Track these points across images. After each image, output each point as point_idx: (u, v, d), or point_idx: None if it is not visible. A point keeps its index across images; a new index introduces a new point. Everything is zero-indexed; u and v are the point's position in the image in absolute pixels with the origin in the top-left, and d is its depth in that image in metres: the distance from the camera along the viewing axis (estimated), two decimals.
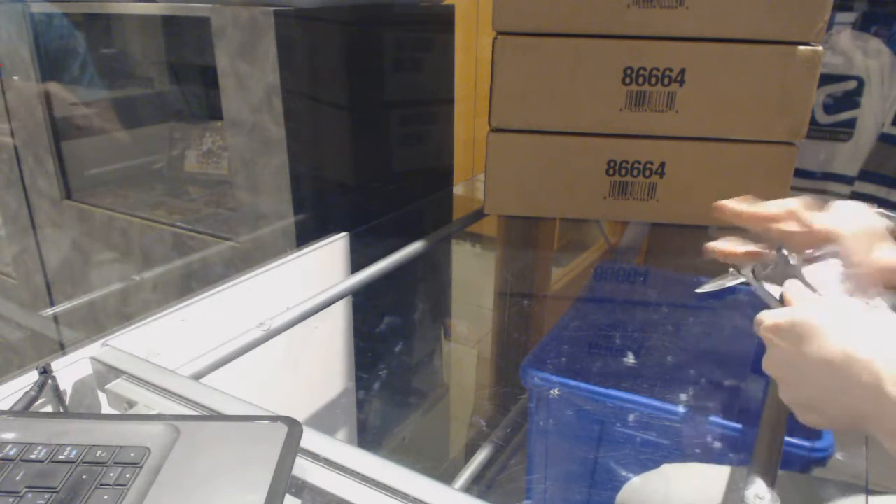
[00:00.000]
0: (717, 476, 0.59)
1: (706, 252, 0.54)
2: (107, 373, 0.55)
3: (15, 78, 1.30)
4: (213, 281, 0.76)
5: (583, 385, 0.73)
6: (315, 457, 0.43)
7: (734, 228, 0.54)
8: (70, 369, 0.55)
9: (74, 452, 0.38)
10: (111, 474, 0.36)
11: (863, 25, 1.13)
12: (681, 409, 0.69)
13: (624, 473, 0.73)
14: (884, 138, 1.13)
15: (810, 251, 0.48)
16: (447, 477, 0.97)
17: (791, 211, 0.50)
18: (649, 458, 0.71)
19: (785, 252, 0.49)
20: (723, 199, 0.56)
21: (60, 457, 0.37)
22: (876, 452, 0.57)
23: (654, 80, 0.81)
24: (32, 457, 0.37)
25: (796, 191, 0.75)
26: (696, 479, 0.61)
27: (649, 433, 0.71)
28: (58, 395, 0.54)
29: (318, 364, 0.97)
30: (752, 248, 0.53)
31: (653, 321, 0.93)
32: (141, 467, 0.37)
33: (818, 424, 0.44)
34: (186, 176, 1.44)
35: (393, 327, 1.16)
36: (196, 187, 1.41)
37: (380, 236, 1.03)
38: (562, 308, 0.98)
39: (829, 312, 0.42)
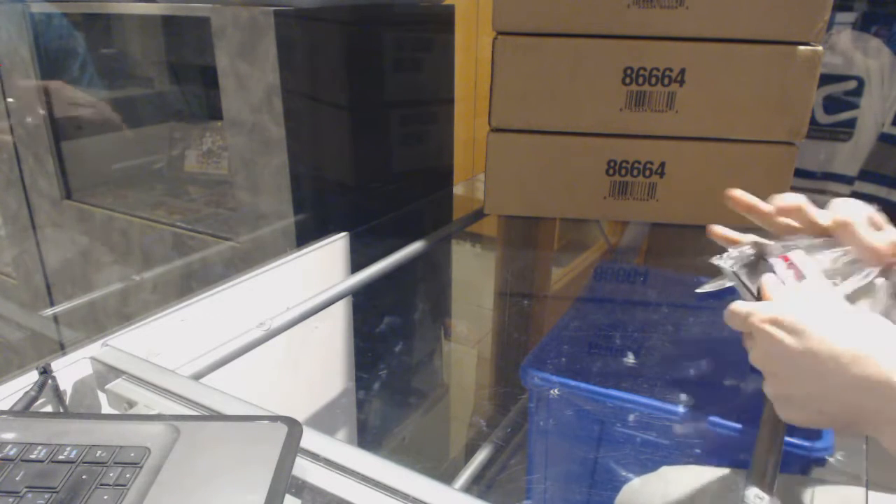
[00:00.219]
0: (716, 477, 0.59)
1: (709, 233, 0.55)
2: (107, 373, 0.55)
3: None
4: (213, 281, 0.76)
5: (583, 385, 0.73)
6: (315, 457, 0.43)
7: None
8: (70, 369, 0.55)
9: (74, 452, 0.38)
10: (111, 474, 0.36)
11: (863, 25, 1.13)
12: (681, 409, 0.69)
13: (624, 473, 0.73)
14: (884, 138, 1.13)
15: (787, 242, 0.49)
16: (447, 477, 0.97)
17: (799, 206, 0.51)
18: (649, 458, 0.71)
19: (761, 243, 0.50)
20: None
21: (60, 457, 0.37)
22: (876, 452, 0.57)
23: (654, 80, 0.81)
24: (32, 457, 0.37)
25: (796, 191, 0.75)
26: (696, 481, 0.61)
27: (649, 433, 0.71)
28: (58, 395, 0.54)
29: (318, 364, 0.97)
30: (752, 238, 0.53)
31: (653, 321, 0.93)
32: (141, 467, 0.37)
33: (805, 422, 0.44)
34: (186, 176, 1.44)
35: (393, 327, 1.16)
36: (196, 187, 1.41)
37: (380, 236, 1.03)
38: (562, 308, 0.98)
39: (827, 308, 0.43)
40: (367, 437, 1.11)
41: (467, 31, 1.50)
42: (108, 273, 1.34)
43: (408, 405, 1.27)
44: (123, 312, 1.29)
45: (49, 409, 0.54)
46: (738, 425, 0.66)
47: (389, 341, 1.16)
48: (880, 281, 0.46)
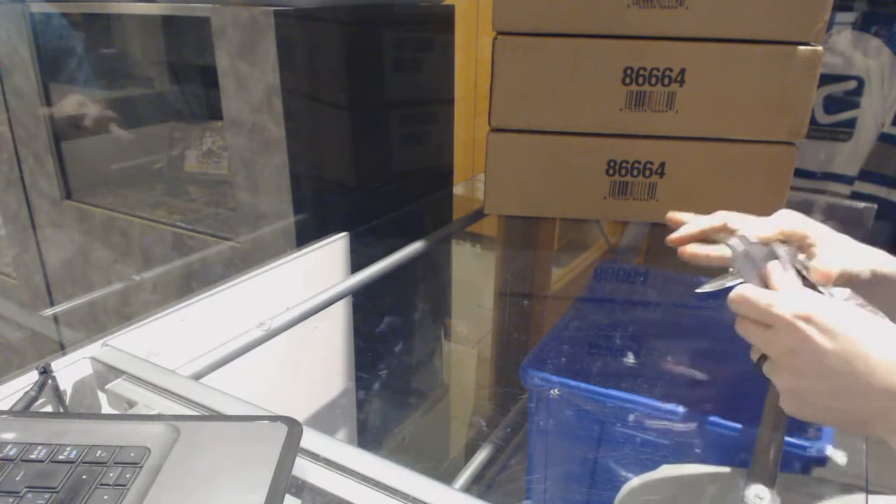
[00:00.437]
0: (716, 477, 0.59)
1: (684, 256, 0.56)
2: (107, 373, 0.55)
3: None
4: (213, 281, 0.76)
5: (583, 385, 0.73)
6: (315, 457, 0.43)
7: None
8: (70, 369, 0.55)
9: (74, 452, 0.38)
10: (111, 474, 0.36)
11: (863, 25, 1.13)
12: (681, 409, 0.69)
13: (624, 473, 0.73)
14: (884, 138, 1.13)
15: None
16: (447, 477, 0.97)
17: (723, 224, 0.54)
18: (649, 458, 0.71)
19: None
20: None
21: (60, 457, 0.37)
22: (876, 452, 0.57)
23: (654, 80, 0.81)
24: (32, 457, 0.37)
25: (796, 191, 0.75)
26: (696, 480, 0.61)
27: (649, 433, 0.71)
28: (58, 395, 0.54)
29: (318, 364, 0.97)
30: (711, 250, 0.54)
31: (653, 321, 0.93)
32: (141, 467, 0.37)
33: (810, 417, 0.45)
34: (186, 176, 1.44)
35: (393, 327, 1.16)
36: (196, 187, 1.41)
37: (380, 236, 1.03)
38: (562, 308, 0.98)
39: (853, 309, 0.43)
40: (367, 437, 1.11)
41: (467, 31, 1.50)
42: (108, 273, 1.34)
43: (408, 405, 1.27)
44: (123, 312, 1.29)
45: (49, 409, 0.54)
46: (738, 425, 0.66)
47: (389, 341, 1.16)
48: (782, 249, 0.48)
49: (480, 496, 0.39)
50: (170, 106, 1.50)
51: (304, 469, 0.42)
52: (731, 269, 0.51)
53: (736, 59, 0.79)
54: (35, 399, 0.51)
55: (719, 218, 0.54)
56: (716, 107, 0.81)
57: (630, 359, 0.84)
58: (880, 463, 0.56)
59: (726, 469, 0.60)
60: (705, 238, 0.55)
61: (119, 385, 0.53)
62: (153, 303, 1.24)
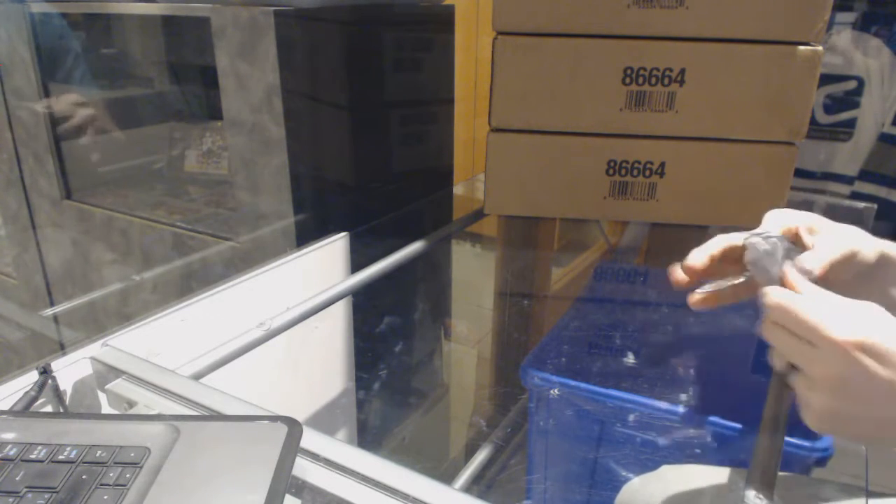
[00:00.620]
0: (716, 477, 0.59)
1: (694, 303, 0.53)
2: (107, 373, 0.55)
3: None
4: (213, 281, 0.76)
5: (583, 385, 0.73)
6: (315, 457, 0.43)
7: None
8: (70, 369, 0.55)
9: (74, 452, 0.38)
10: (111, 474, 0.36)
11: (863, 25, 1.14)
12: (681, 409, 0.69)
13: (624, 473, 0.73)
14: (884, 138, 1.13)
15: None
16: (447, 477, 0.97)
17: (722, 251, 0.51)
18: (649, 458, 0.71)
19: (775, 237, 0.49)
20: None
21: (60, 457, 0.37)
22: (876, 452, 0.57)
23: (654, 80, 0.81)
24: (32, 457, 0.37)
25: (796, 191, 0.75)
26: (696, 481, 0.61)
27: (649, 433, 0.71)
28: (58, 395, 0.54)
29: (318, 364, 0.97)
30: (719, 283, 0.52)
31: (653, 321, 0.93)
32: (141, 467, 0.37)
33: (839, 433, 0.43)
34: (186, 176, 1.44)
35: (393, 327, 1.16)
36: (196, 187, 1.41)
37: (380, 236, 1.03)
38: (562, 308, 0.98)
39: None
40: (367, 437, 1.11)
41: (467, 31, 1.50)
42: (108, 273, 1.35)
43: (408, 405, 1.27)
44: (123, 312, 1.29)
45: (49, 409, 0.54)
46: (738, 425, 0.66)
47: (389, 341, 1.16)
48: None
49: (480, 496, 0.39)
50: (170, 106, 1.49)
51: (304, 469, 0.42)
52: (747, 272, 0.49)
53: (736, 59, 0.79)
54: (35, 399, 0.51)
55: (719, 241, 0.51)
56: (716, 107, 0.81)
57: (630, 359, 0.84)
58: (880, 463, 0.56)
59: (726, 469, 0.59)
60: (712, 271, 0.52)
61: (119, 385, 0.53)
62: (153, 303, 1.24)
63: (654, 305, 0.97)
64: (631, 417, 0.71)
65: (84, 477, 0.36)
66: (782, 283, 0.46)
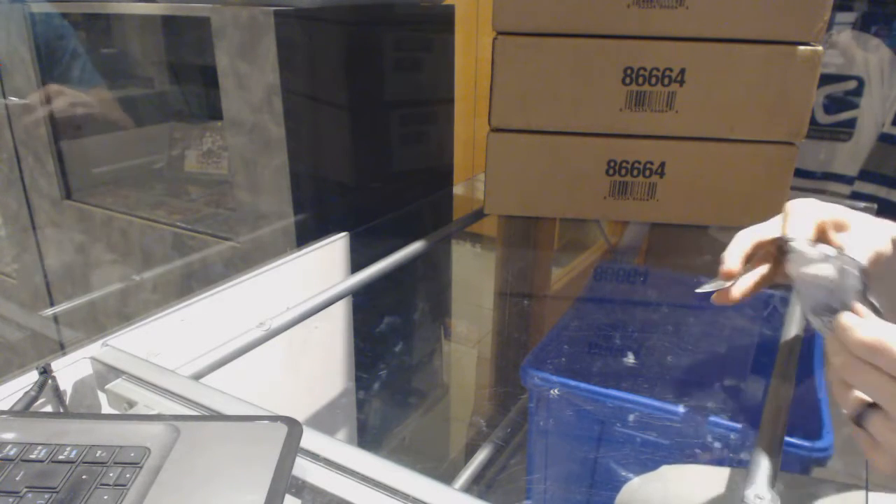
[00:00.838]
0: (716, 477, 0.59)
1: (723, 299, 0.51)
2: (107, 373, 0.55)
3: (13, 99, 1.30)
4: (213, 281, 0.76)
5: (583, 385, 0.73)
6: (315, 457, 0.43)
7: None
8: (70, 369, 0.55)
9: (74, 452, 0.38)
10: (111, 474, 0.36)
11: (863, 25, 1.14)
12: (681, 409, 0.69)
13: (624, 473, 0.73)
14: (884, 138, 1.13)
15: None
16: (447, 477, 0.97)
17: (754, 244, 0.50)
18: (649, 458, 0.71)
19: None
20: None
21: (60, 457, 0.37)
22: None
23: (654, 80, 0.81)
24: (32, 457, 0.37)
25: (796, 191, 0.75)
26: (696, 481, 0.61)
27: (649, 433, 0.71)
28: (58, 395, 0.54)
29: (318, 364, 0.97)
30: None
31: (653, 321, 0.93)
32: (141, 467, 0.37)
33: None
34: (186, 176, 1.44)
35: (393, 327, 1.16)
36: (196, 187, 1.41)
37: (380, 236, 1.03)
38: (562, 308, 0.98)
39: None
40: (367, 437, 1.11)
41: (467, 31, 1.50)
42: (108, 273, 1.35)
43: (408, 405, 1.27)
44: (123, 313, 1.29)
45: (49, 409, 0.54)
46: (738, 425, 0.66)
47: (389, 341, 1.16)
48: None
49: (480, 496, 0.39)
50: (170, 106, 1.50)
51: (304, 469, 0.42)
52: (797, 288, 0.47)
53: (736, 59, 0.79)
54: (35, 399, 0.51)
55: (748, 240, 0.50)
56: (716, 107, 0.81)
57: (630, 359, 0.84)
58: None
59: (726, 469, 0.59)
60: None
61: (119, 385, 0.53)
62: (153, 303, 1.24)
63: (654, 305, 0.97)
64: (631, 417, 0.71)
65: (84, 477, 0.36)
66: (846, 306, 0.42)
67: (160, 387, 0.52)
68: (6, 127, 1.36)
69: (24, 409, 0.50)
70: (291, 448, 0.39)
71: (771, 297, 0.86)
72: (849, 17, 1.14)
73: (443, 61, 1.24)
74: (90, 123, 1.40)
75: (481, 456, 0.95)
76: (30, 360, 0.55)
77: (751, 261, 0.52)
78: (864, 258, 0.44)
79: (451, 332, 1.39)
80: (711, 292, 0.52)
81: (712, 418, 0.67)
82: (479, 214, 0.98)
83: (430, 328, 1.33)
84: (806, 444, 0.63)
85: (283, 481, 0.36)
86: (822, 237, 0.48)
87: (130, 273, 1.28)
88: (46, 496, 0.35)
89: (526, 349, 1.08)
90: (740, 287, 0.50)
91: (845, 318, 0.40)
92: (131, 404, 0.51)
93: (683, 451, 0.69)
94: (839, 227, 0.48)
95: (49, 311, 1.37)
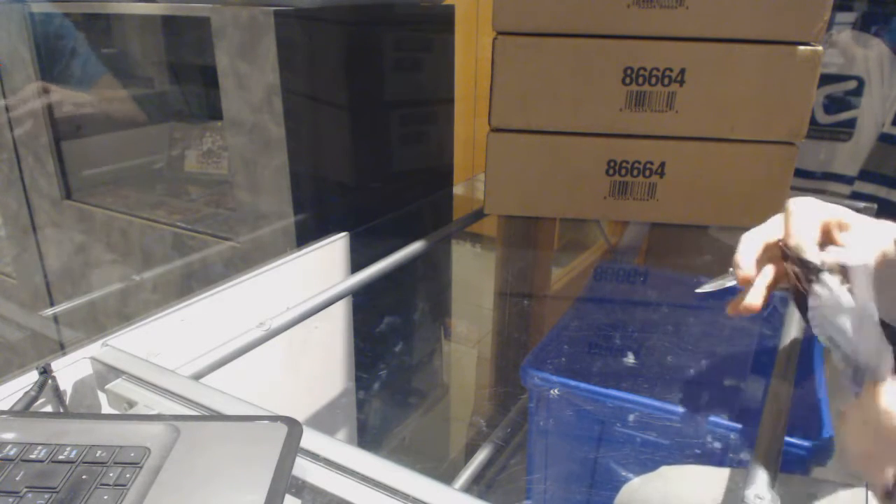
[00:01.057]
0: (716, 477, 0.59)
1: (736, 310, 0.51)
2: (107, 373, 0.55)
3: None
4: (213, 281, 0.76)
5: (583, 385, 0.73)
6: (315, 457, 0.43)
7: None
8: (70, 369, 0.55)
9: (74, 452, 0.38)
10: (111, 474, 0.36)
11: (863, 25, 1.13)
12: (681, 409, 0.69)
13: (624, 473, 0.73)
14: (884, 138, 1.13)
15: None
16: (447, 477, 0.97)
17: (763, 247, 0.49)
18: (649, 458, 0.71)
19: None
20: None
21: (60, 457, 0.37)
22: None
23: (654, 80, 0.81)
24: (32, 457, 0.37)
25: (796, 191, 0.75)
26: (696, 481, 0.61)
27: (649, 433, 0.71)
28: (58, 395, 0.54)
29: (318, 364, 0.97)
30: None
31: (653, 321, 0.93)
32: (141, 467, 0.37)
33: None
34: (186, 176, 1.44)
35: (393, 327, 1.16)
36: (196, 187, 1.41)
37: (380, 236, 1.03)
38: (562, 308, 0.98)
39: None
40: (367, 437, 1.11)
41: (467, 31, 1.50)
42: (108, 273, 1.35)
43: (408, 405, 1.27)
44: (123, 313, 1.29)
45: (49, 409, 0.54)
46: (738, 425, 0.66)
47: (389, 341, 1.16)
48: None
49: (480, 496, 0.39)
50: (170, 106, 1.50)
51: (304, 469, 0.42)
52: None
53: (736, 59, 0.79)
54: (35, 399, 0.51)
55: (758, 242, 0.50)
56: (716, 107, 0.81)
57: (630, 359, 0.84)
58: None
59: (726, 469, 0.59)
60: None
61: (119, 385, 0.53)
62: (153, 303, 1.24)
63: (654, 305, 0.97)
64: (631, 417, 0.71)
65: (84, 477, 0.36)
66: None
67: (160, 387, 0.52)
68: (6, 127, 1.36)
69: (24, 409, 0.50)
70: (291, 448, 0.39)
71: (771, 297, 0.85)
72: (849, 17, 1.14)
73: (443, 61, 1.24)
74: (90, 123, 1.40)
75: (481, 456, 0.95)
76: (30, 360, 0.55)
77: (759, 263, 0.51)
78: (870, 258, 0.42)
79: (451, 332, 1.39)
80: (711, 292, 0.52)
81: (712, 418, 0.67)
82: (479, 214, 0.98)
83: (430, 328, 1.33)
84: (806, 444, 0.63)
85: (283, 481, 0.36)
86: (826, 238, 0.48)
87: (130, 273, 1.28)
88: (46, 496, 0.35)
89: (526, 349, 1.08)
90: (758, 294, 0.50)
91: (887, 399, 0.37)
92: (131, 404, 0.51)
93: (683, 451, 0.69)
94: (842, 228, 0.48)
95: (49, 311, 1.37)
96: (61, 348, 0.57)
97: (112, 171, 1.48)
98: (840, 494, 0.55)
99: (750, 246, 0.50)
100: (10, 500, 0.35)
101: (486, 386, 1.25)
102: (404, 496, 0.40)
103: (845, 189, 1.18)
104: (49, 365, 0.54)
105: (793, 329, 0.66)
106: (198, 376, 0.59)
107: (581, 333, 0.89)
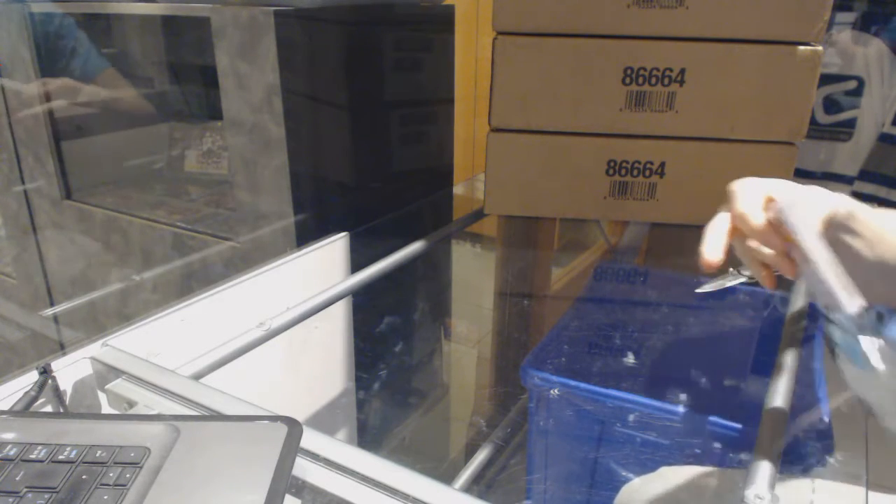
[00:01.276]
0: (716, 477, 0.59)
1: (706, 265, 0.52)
2: (107, 373, 0.55)
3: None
4: (213, 281, 0.76)
5: (583, 385, 0.73)
6: (315, 457, 0.43)
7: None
8: (70, 369, 0.55)
9: (74, 452, 0.38)
10: (111, 474, 0.36)
11: (863, 25, 1.13)
12: (681, 409, 0.69)
13: (624, 473, 0.73)
14: (884, 138, 1.13)
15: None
16: (447, 477, 0.97)
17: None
18: (649, 458, 0.71)
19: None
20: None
21: (60, 457, 0.37)
22: (876, 452, 0.57)
23: (654, 80, 0.81)
24: (32, 457, 0.37)
25: None
26: (696, 481, 0.61)
27: (649, 433, 0.71)
28: (58, 395, 0.54)
29: (318, 364, 0.97)
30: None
31: (653, 321, 0.93)
32: (141, 467, 0.37)
33: None
34: (186, 176, 1.44)
35: (393, 327, 1.16)
36: (196, 187, 1.41)
37: (380, 236, 1.03)
38: (562, 308, 0.98)
39: None
40: (367, 437, 1.11)
41: (467, 31, 1.50)
42: (109, 273, 1.35)
43: (408, 405, 1.27)
44: (123, 313, 1.29)
45: (49, 409, 0.54)
46: (738, 425, 0.66)
47: (389, 341, 1.16)
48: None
49: (480, 496, 0.39)
50: (170, 106, 1.50)
51: (304, 469, 0.42)
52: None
53: (736, 59, 0.79)
54: (35, 399, 0.51)
55: (722, 230, 0.51)
56: (716, 107, 0.81)
57: (630, 359, 0.84)
58: (880, 463, 0.56)
59: (726, 469, 0.60)
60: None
61: (119, 385, 0.53)
62: (153, 303, 1.24)
63: (654, 305, 0.97)
64: (631, 417, 0.71)
65: (84, 477, 0.36)
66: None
67: (160, 387, 0.52)
68: (6, 127, 1.36)
69: (24, 409, 0.50)
70: (291, 448, 0.39)
71: (771, 297, 0.86)
72: (849, 17, 1.14)
73: (443, 61, 1.24)
74: (90, 123, 1.40)
75: (481, 456, 0.95)
76: (30, 360, 0.55)
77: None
78: (813, 226, 0.44)
79: (451, 332, 1.39)
80: (711, 292, 0.52)
81: (712, 418, 0.67)
82: (479, 214, 0.98)
83: (430, 328, 1.33)
84: (806, 444, 0.62)
85: (283, 481, 0.36)
86: (768, 206, 0.49)
87: (130, 273, 1.28)
88: (46, 496, 0.35)
89: (526, 349, 1.08)
90: (713, 245, 0.50)
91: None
92: (131, 404, 0.51)
93: (683, 451, 0.69)
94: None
95: (49, 311, 1.37)
96: (61, 348, 0.57)
97: (112, 170, 1.48)
98: (840, 495, 0.55)
99: (718, 232, 0.51)
100: (10, 500, 0.35)
101: (486, 386, 1.25)
102: (404, 496, 0.40)
103: (845, 189, 1.18)
104: (49, 365, 0.54)
105: (793, 328, 0.66)
106: (198, 376, 0.59)
107: (581, 333, 0.89)
